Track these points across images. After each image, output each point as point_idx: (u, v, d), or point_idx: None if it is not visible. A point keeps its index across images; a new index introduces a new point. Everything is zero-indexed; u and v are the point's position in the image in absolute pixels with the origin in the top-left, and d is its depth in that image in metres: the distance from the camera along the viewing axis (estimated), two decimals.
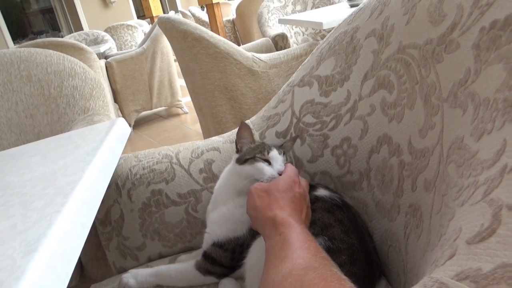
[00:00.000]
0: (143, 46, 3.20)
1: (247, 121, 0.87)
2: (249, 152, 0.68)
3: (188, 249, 0.82)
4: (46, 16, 9.22)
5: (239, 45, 1.65)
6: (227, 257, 0.66)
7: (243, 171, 0.66)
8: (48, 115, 1.08)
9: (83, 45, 2.63)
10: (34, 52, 1.12)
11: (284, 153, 0.68)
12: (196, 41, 1.51)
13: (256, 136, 0.82)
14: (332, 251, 0.55)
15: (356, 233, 0.60)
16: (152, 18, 4.86)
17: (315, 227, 0.58)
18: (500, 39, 0.41)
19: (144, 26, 5.43)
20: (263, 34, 2.28)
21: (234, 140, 0.73)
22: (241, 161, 0.67)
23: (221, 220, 0.68)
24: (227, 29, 4.55)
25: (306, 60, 0.80)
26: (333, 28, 0.78)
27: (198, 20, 4.71)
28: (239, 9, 4.21)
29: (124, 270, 0.76)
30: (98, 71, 2.73)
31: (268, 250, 0.41)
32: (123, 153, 0.76)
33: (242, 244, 0.65)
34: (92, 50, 2.71)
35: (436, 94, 0.51)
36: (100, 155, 0.59)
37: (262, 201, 0.48)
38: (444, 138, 0.48)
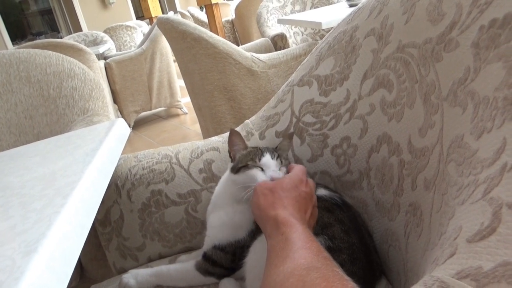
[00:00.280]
0: (142, 46, 3.20)
1: (247, 121, 0.87)
2: (241, 160, 0.67)
3: (188, 249, 0.82)
4: (45, 17, 9.21)
5: (238, 46, 1.65)
6: (227, 259, 0.66)
7: (238, 180, 0.66)
8: (47, 116, 1.08)
9: (82, 46, 2.64)
10: (33, 53, 1.12)
11: (278, 157, 0.66)
12: (195, 41, 1.51)
13: (256, 137, 0.82)
14: (332, 250, 0.55)
15: (356, 232, 0.60)
16: (151, 18, 4.87)
17: (315, 227, 0.58)
18: (499, 37, 0.41)
19: (143, 26, 5.43)
20: (262, 34, 2.28)
21: None
22: (235, 169, 0.67)
23: (221, 225, 0.68)
24: (226, 29, 4.55)
25: (306, 59, 0.80)
26: (332, 28, 0.78)
27: (197, 20, 4.72)
28: (238, 10, 4.21)
29: (124, 270, 0.76)
30: (97, 72, 2.73)
31: (270, 249, 0.41)
32: (122, 153, 0.76)
33: (242, 247, 0.65)
34: (91, 51, 2.72)
35: (435, 93, 0.51)
36: (99, 156, 0.59)
37: (266, 199, 0.48)
38: (444, 137, 0.48)
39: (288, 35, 2.25)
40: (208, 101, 1.64)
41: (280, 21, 2.16)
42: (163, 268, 0.71)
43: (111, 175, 0.62)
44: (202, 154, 0.82)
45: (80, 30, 7.67)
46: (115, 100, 3.23)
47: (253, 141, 0.81)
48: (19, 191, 0.52)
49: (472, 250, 0.30)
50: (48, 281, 0.35)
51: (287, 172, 0.63)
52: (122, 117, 3.24)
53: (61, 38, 5.75)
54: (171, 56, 3.30)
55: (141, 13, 6.92)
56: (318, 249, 0.39)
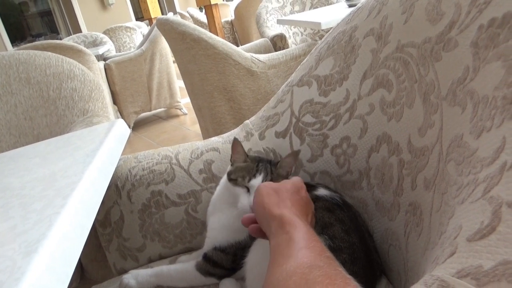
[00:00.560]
0: (142, 47, 3.20)
1: (246, 121, 0.87)
2: (235, 172, 0.66)
3: (188, 250, 0.82)
4: (44, 18, 9.22)
5: (237, 46, 1.65)
6: (228, 260, 0.66)
7: (229, 188, 0.66)
8: (47, 117, 1.08)
9: (81, 47, 2.63)
10: (33, 54, 1.12)
11: (272, 179, 0.64)
12: (194, 42, 1.51)
13: (256, 137, 0.82)
14: (332, 250, 0.54)
15: (357, 232, 0.60)
16: (150, 19, 4.86)
17: (316, 226, 0.58)
18: (498, 37, 0.41)
19: (143, 27, 5.43)
20: (262, 35, 2.28)
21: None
22: (228, 177, 0.67)
23: (220, 228, 0.68)
24: (225, 30, 4.56)
25: (305, 60, 0.80)
26: (331, 28, 0.78)
27: (196, 21, 4.72)
28: (237, 10, 4.22)
29: (124, 271, 0.76)
30: (97, 73, 2.73)
31: (273, 248, 0.41)
32: (122, 154, 0.76)
33: (243, 248, 0.65)
34: (90, 52, 2.71)
35: (435, 92, 0.51)
36: (99, 156, 0.59)
37: (271, 199, 0.48)
38: (444, 136, 0.48)
39: (287, 36, 2.26)
40: (208, 101, 1.64)
41: (279, 22, 2.16)
42: (163, 269, 0.71)
43: (111, 176, 0.62)
44: (202, 154, 0.82)
45: (80, 31, 7.67)
46: (114, 101, 3.23)
47: (253, 141, 0.81)
48: (19, 192, 0.52)
49: (472, 249, 0.30)
50: (48, 281, 0.35)
51: None
52: (122, 118, 3.24)
53: (61, 39, 5.75)
54: (170, 57, 3.30)
55: (140, 14, 6.93)
56: (321, 249, 0.39)
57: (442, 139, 0.48)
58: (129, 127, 3.28)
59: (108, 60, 3.08)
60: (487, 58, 0.41)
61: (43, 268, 0.36)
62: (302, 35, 2.43)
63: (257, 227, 0.50)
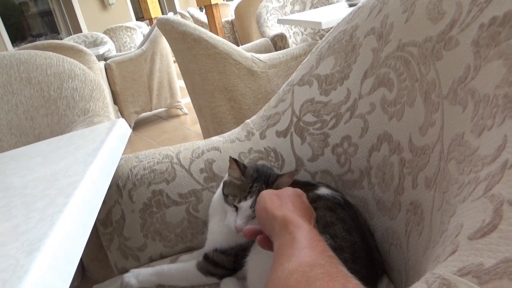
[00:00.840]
0: (142, 47, 3.20)
1: (247, 121, 0.87)
2: (228, 187, 0.65)
3: (189, 249, 0.82)
4: (45, 18, 9.22)
5: (238, 46, 1.65)
6: (229, 261, 0.66)
7: (222, 199, 0.66)
8: (48, 117, 1.09)
9: (82, 47, 2.64)
10: (34, 54, 1.12)
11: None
12: (195, 42, 1.51)
13: (256, 136, 0.82)
14: (334, 249, 0.54)
15: (358, 231, 0.60)
16: (151, 19, 4.87)
17: (318, 225, 0.58)
18: (499, 35, 0.41)
19: (143, 27, 5.43)
20: (262, 35, 2.28)
21: (234, 140, 0.72)
22: (223, 188, 0.67)
23: (221, 231, 0.68)
24: (226, 30, 4.56)
25: (306, 59, 0.80)
26: (332, 27, 0.78)
27: (197, 21, 4.72)
28: (237, 10, 4.22)
29: (125, 270, 0.76)
30: (97, 73, 2.73)
31: (277, 249, 0.41)
32: (123, 154, 0.76)
33: (244, 249, 0.65)
34: (91, 52, 2.71)
35: (436, 91, 0.51)
36: (100, 156, 0.59)
37: (273, 203, 0.49)
38: (445, 135, 0.48)
39: (288, 35, 2.26)
40: (209, 101, 1.64)
41: (279, 21, 2.16)
42: (164, 268, 0.71)
43: (112, 175, 0.62)
44: (203, 154, 0.82)
45: (80, 31, 7.68)
46: (115, 101, 3.23)
47: (254, 141, 0.81)
48: (21, 191, 0.52)
49: (474, 247, 0.30)
50: (51, 280, 0.35)
51: None
52: (123, 118, 3.23)
53: (61, 39, 5.75)
54: (171, 57, 3.30)
55: (140, 14, 6.93)
56: (323, 248, 0.39)
57: (443, 138, 0.48)
58: (130, 127, 3.27)
59: (109, 60, 3.09)
60: (488, 56, 0.41)
61: (45, 266, 0.36)
62: (302, 35, 2.43)
63: (265, 238, 0.50)
